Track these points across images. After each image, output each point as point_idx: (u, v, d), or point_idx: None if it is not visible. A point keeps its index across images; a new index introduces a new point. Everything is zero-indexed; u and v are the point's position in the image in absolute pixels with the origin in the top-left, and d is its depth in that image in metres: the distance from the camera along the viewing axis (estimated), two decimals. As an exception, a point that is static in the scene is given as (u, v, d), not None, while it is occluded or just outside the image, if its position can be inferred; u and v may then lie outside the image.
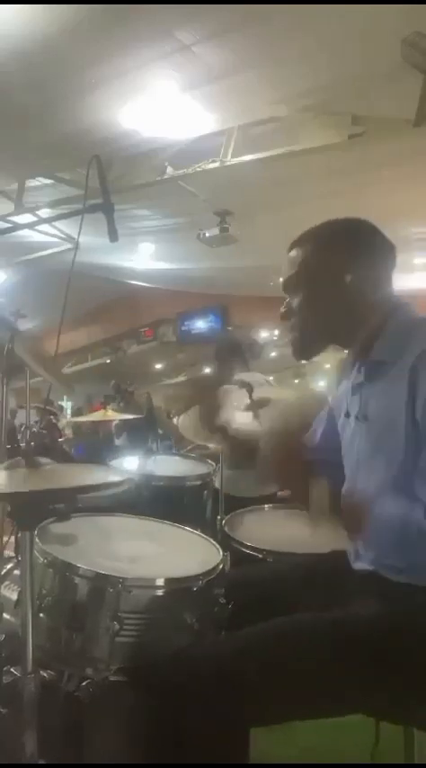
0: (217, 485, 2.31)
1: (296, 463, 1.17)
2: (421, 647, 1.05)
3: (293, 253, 1.27)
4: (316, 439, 1.45)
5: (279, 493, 3.27)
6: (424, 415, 1.06)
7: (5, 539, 1.59)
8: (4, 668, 1.17)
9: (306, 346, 1.28)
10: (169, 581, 1.21)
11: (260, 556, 1.58)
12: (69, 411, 11.93)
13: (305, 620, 1.12)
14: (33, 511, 1.16)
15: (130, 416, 4.82)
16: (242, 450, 1.39)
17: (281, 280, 1.29)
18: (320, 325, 1.25)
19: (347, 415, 1.29)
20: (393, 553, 1.10)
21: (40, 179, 5.28)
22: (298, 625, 1.12)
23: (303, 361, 1.33)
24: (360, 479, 1.22)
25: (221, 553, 1.35)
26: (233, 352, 3.03)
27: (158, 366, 15.47)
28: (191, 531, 1.54)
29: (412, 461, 1.09)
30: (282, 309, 1.28)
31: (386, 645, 1.06)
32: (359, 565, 1.22)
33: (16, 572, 1.51)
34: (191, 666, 1.08)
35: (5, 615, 1.42)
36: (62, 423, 9.42)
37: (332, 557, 1.32)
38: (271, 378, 2.97)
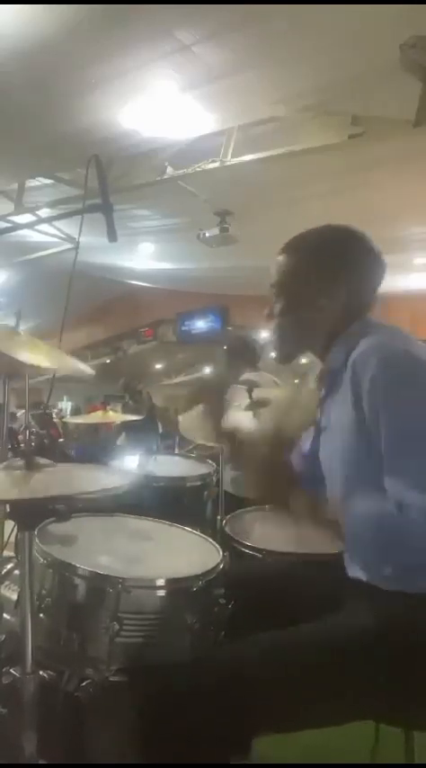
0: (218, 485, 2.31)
1: (279, 478, 1.21)
2: (417, 654, 1.05)
3: (279, 258, 1.30)
4: (305, 449, 1.47)
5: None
6: (370, 406, 1.08)
7: (5, 539, 1.59)
8: (4, 668, 1.16)
9: (282, 351, 1.33)
10: (169, 581, 1.20)
11: (260, 556, 1.58)
12: (68, 411, 11.92)
13: (302, 629, 1.13)
14: (33, 512, 1.15)
15: (131, 417, 4.81)
16: (246, 455, 1.39)
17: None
18: (294, 334, 1.30)
19: (318, 425, 1.33)
20: (375, 555, 1.10)
21: (40, 179, 5.28)
22: (295, 634, 1.12)
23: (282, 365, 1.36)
24: (333, 486, 1.25)
25: (221, 553, 1.35)
26: (243, 351, 3.04)
27: (158, 366, 15.46)
28: (191, 531, 1.54)
29: (368, 458, 1.10)
30: (265, 311, 1.32)
31: (383, 653, 1.06)
32: (352, 572, 1.22)
33: (16, 572, 1.51)
34: (193, 674, 1.08)
35: (5, 615, 1.42)
36: (56, 423, 9.38)
37: (331, 557, 1.32)
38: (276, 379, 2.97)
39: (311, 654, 1.09)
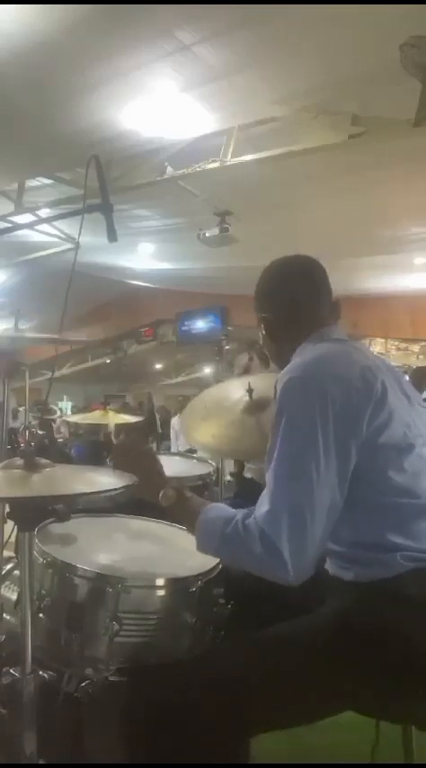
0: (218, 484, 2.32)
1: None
2: (379, 643, 1.07)
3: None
4: None
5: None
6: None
7: (5, 538, 1.59)
8: (4, 668, 1.16)
9: (275, 363, 1.44)
10: (168, 581, 1.21)
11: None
12: (69, 411, 11.94)
13: (279, 628, 1.15)
14: (32, 512, 1.15)
15: (131, 418, 4.82)
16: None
17: None
18: (272, 351, 1.44)
19: None
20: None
21: (40, 179, 5.29)
22: (278, 631, 1.14)
23: None
24: None
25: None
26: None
27: (158, 366, 15.46)
28: (191, 531, 1.54)
29: None
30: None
31: (346, 643, 1.08)
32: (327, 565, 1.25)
33: (16, 572, 1.51)
34: (192, 673, 1.09)
35: (5, 615, 1.42)
36: (56, 422, 9.40)
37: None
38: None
39: (290, 649, 1.11)
